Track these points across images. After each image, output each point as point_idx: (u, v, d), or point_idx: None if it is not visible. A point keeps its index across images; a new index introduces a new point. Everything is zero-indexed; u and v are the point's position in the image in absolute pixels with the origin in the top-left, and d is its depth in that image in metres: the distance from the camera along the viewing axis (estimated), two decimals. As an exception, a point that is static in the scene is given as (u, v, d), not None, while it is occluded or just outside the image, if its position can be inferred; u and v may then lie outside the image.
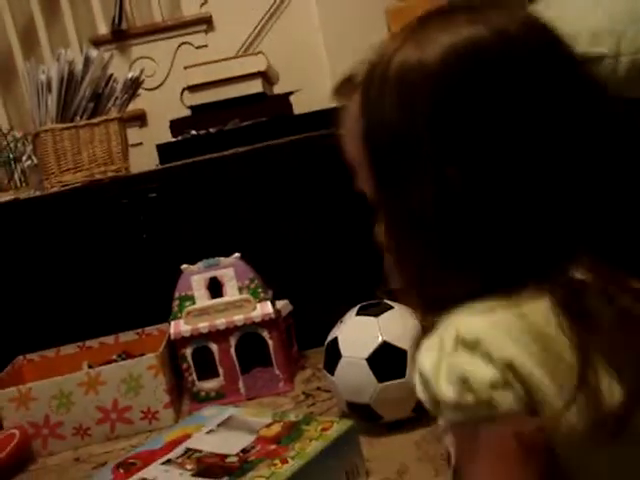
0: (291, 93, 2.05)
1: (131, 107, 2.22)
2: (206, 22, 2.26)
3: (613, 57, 1.07)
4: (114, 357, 1.74)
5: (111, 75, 1.79)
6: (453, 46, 0.57)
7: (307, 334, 1.80)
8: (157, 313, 1.69)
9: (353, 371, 1.25)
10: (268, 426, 1.17)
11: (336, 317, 1.38)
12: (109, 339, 1.78)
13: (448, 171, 0.56)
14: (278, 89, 2.07)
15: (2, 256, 1.79)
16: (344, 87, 0.65)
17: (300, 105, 2.02)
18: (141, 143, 2.29)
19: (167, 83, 2.26)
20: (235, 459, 1.07)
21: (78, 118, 1.75)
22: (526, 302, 0.55)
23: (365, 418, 1.27)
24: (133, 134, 2.33)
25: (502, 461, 0.53)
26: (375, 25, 2.09)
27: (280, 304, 1.71)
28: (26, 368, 1.75)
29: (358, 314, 1.33)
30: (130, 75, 1.83)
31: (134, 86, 1.84)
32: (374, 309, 1.32)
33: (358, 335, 1.28)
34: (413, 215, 0.58)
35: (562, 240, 0.56)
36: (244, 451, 1.09)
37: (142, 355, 1.61)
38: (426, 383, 0.55)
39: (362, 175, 0.64)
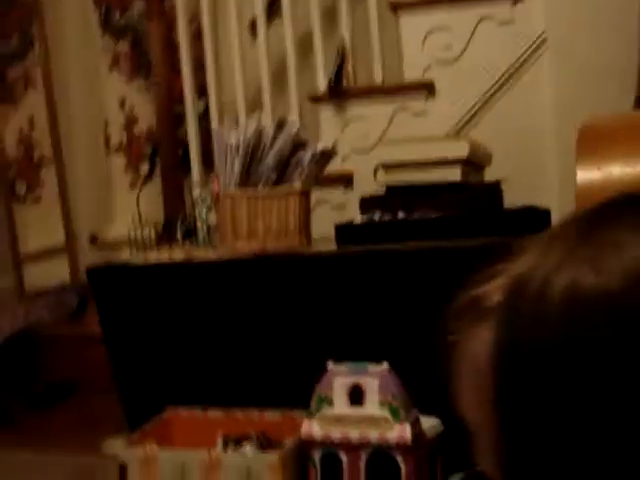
0: (497, 183, 1.84)
1: (340, 168, 2.15)
2: (427, 88, 2.12)
3: None
4: (252, 435, 1.67)
5: (300, 144, 1.72)
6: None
7: (456, 462, 1.59)
8: (302, 395, 1.58)
9: None
10: None
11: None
12: (254, 414, 1.72)
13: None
14: (488, 176, 1.87)
15: (171, 310, 1.81)
16: (469, 310, 0.49)
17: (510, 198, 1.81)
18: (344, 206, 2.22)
19: (376, 149, 2.16)
20: None
21: (261, 186, 1.71)
22: None
23: None
24: (339, 195, 2.26)
25: None
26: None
27: (427, 422, 1.52)
28: (174, 422, 1.74)
29: None
30: (320, 147, 1.75)
31: (323, 159, 1.76)
32: None
33: None
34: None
35: None
36: None
37: (279, 442, 1.56)
38: None
39: (486, 440, 0.47)
